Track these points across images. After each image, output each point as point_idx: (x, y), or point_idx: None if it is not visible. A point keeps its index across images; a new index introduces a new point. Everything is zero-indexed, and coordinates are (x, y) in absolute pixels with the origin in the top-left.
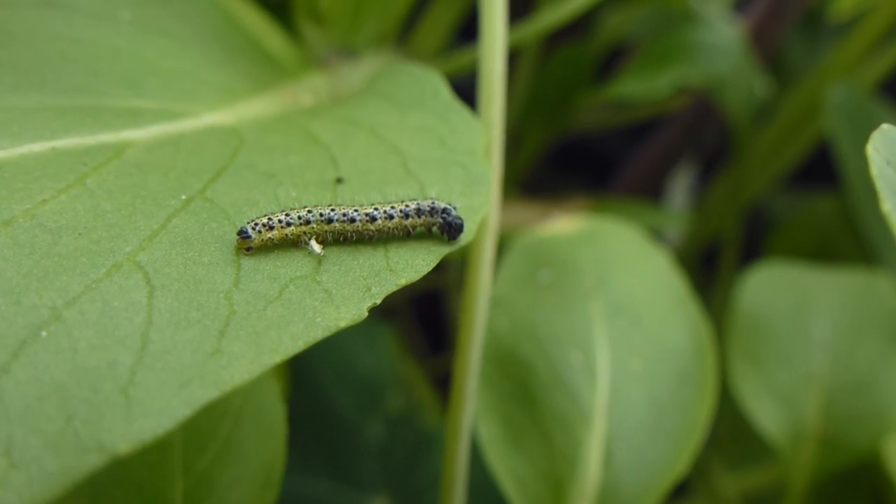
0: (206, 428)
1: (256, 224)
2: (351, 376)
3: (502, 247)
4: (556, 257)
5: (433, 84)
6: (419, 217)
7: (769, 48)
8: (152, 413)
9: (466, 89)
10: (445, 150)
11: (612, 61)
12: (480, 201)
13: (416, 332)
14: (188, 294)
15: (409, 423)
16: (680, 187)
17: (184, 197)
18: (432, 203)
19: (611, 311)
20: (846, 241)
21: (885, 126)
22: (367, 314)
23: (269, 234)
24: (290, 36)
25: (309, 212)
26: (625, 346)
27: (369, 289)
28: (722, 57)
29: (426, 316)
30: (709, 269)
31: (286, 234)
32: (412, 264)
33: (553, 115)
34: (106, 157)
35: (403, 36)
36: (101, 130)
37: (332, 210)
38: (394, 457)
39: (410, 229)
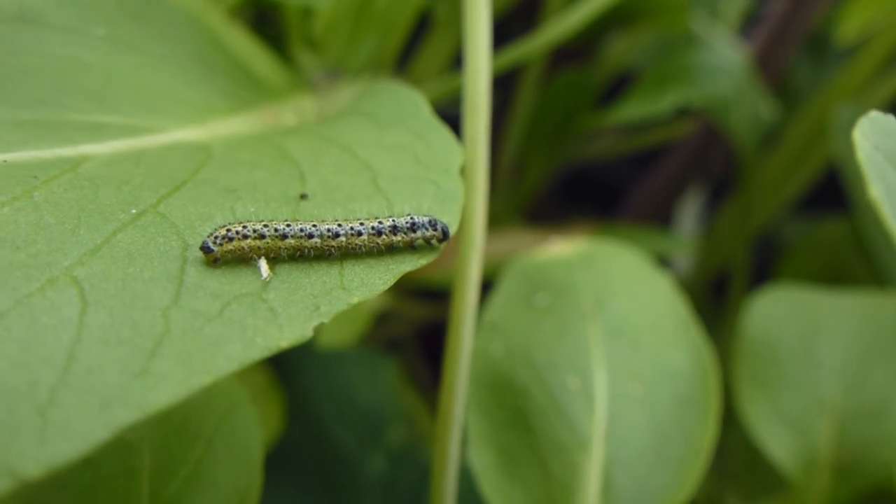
0: (175, 452)
1: (217, 237)
2: (352, 409)
3: (499, 273)
4: (553, 280)
5: (414, 103)
6: (395, 234)
7: (774, 72)
8: (68, 436)
9: None
10: (419, 167)
11: (616, 90)
12: (449, 220)
13: (421, 365)
14: (123, 311)
15: (412, 458)
16: (688, 215)
17: (134, 211)
18: (411, 218)
19: (609, 335)
20: (857, 265)
21: (872, 112)
22: (311, 334)
23: (230, 246)
24: (280, 59)
25: (265, 225)
26: (624, 371)
27: (318, 308)
28: (724, 78)
29: (432, 349)
30: (718, 297)
31: (244, 247)
32: (367, 282)
33: (555, 141)
34: (60, 170)
35: (402, 64)
36: (59, 144)
37: (289, 225)
38: (396, 492)
39: (385, 248)
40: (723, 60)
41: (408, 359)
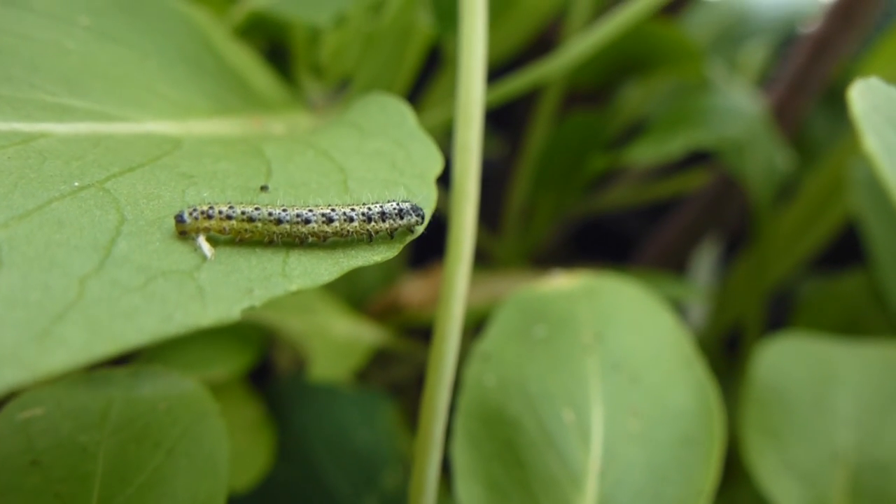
0: (132, 459)
1: (194, 210)
2: (346, 450)
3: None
4: (552, 312)
5: (400, 113)
6: (384, 221)
7: (792, 124)
8: None
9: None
10: (394, 172)
11: (631, 139)
12: None
13: None
14: (38, 275)
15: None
16: (702, 268)
17: (77, 184)
18: (398, 204)
19: (608, 369)
20: (873, 321)
21: (872, 78)
22: (238, 316)
23: (207, 224)
24: (283, 81)
25: (247, 208)
26: (622, 406)
27: (251, 291)
28: (737, 120)
29: None
30: (731, 355)
31: (224, 228)
32: (310, 272)
33: (566, 182)
34: (10, 141)
35: (411, 100)
36: (16, 119)
37: (257, 209)
38: None
39: (373, 234)
40: (736, 104)
41: (409, 403)
